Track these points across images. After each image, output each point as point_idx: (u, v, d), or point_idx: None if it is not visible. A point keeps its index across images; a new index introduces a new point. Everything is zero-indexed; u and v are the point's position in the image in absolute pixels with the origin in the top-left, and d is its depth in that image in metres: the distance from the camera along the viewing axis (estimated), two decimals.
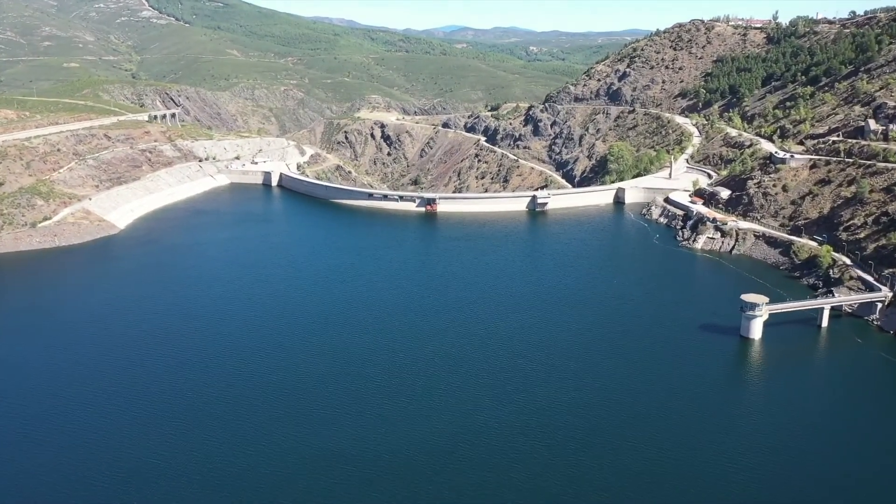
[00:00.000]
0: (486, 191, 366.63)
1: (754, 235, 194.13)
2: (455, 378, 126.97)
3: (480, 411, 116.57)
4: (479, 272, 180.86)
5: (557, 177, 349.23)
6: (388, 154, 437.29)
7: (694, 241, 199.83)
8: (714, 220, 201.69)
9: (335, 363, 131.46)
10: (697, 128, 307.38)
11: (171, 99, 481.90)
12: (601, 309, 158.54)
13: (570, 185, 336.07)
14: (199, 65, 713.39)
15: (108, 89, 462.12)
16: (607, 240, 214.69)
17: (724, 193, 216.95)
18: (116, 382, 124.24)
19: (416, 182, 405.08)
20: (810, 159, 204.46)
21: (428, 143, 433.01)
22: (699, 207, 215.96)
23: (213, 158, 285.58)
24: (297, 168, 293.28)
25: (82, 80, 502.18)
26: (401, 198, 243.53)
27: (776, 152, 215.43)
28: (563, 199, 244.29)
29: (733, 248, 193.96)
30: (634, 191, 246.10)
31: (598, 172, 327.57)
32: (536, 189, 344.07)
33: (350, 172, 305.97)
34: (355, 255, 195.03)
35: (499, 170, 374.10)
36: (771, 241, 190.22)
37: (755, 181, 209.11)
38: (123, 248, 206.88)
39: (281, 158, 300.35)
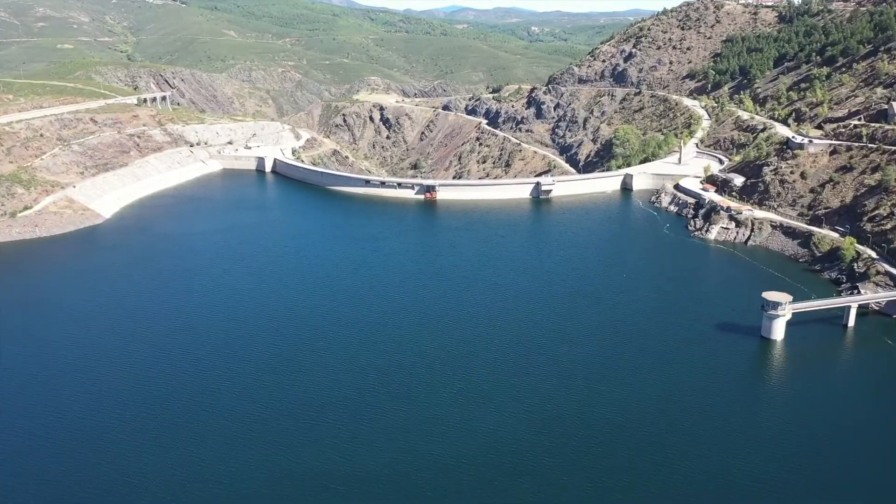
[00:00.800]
0: (487, 175, 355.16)
1: (771, 225, 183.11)
2: (459, 383, 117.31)
3: (487, 420, 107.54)
4: (481, 266, 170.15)
5: (561, 161, 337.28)
6: (388, 137, 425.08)
7: (707, 231, 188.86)
8: (728, 209, 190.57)
9: (328, 366, 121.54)
10: (706, 110, 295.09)
11: (166, 81, 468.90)
12: (611, 306, 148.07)
13: (574, 170, 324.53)
14: (196, 46, 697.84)
15: (101, 71, 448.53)
16: (615, 229, 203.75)
17: (738, 180, 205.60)
18: (95, 386, 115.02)
19: (415, 166, 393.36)
20: (830, 144, 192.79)
21: (428, 126, 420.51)
22: (711, 195, 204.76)
23: (205, 143, 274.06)
24: (292, 153, 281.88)
25: (75, 62, 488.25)
26: (399, 185, 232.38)
27: (793, 137, 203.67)
28: (569, 186, 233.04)
29: (748, 238, 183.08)
30: (643, 177, 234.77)
31: (604, 157, 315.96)
32: (539, 174, 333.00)
33: (347, 157, 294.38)
34: (350, 247, 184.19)
35: (500, 154, 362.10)
36: (789, 232, 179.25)
37: (771, 168, 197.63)
38: (108, 238, 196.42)
39: (275, 143, 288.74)
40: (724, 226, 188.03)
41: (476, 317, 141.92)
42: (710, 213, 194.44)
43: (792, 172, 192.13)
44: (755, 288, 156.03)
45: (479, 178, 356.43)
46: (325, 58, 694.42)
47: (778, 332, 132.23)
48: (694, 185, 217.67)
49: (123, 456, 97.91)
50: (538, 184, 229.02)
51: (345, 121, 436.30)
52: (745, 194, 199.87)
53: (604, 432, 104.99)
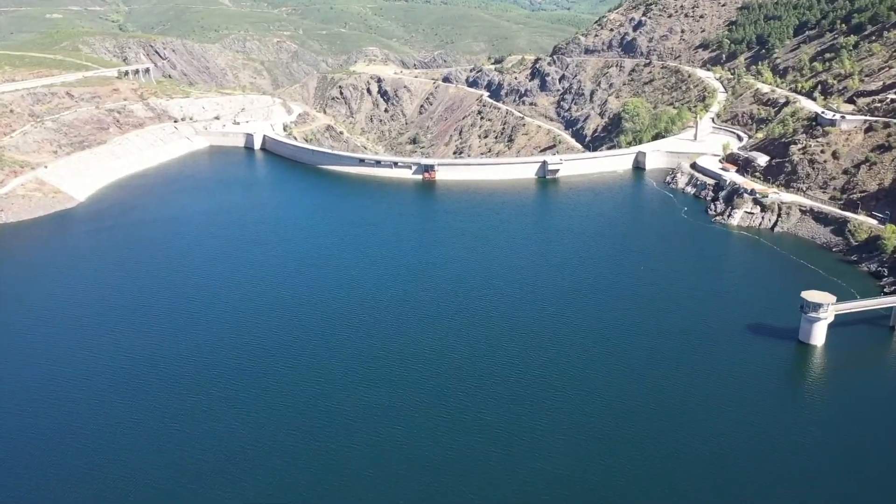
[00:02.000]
0: (489, 151, 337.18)
1: (800, 210, 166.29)
2: (462, 394, 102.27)
3: (495, 432, 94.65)
4: (484, 256, 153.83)
5: (566, 136, 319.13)
6: (386, 111, 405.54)
7: (729, 215, 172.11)
8: (752, 192, 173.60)
9: (319, 370, 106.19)
10: (722, 82, 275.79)
11: (157, 52, 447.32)
12: (628, 304, 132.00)
13: (580, 146, 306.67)
14: (189, 15, 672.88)
15: (88, 42, 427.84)
16: (629, 214, 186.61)
17: (762, 160, 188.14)
18: (55, 391, 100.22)
19: (414, 141, 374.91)
20: (865, 121, 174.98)
21: (427, 98, 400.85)
22: (733, 175, 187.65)
23: (190, 119, 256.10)
24: (284, 129, 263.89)
25: (61, 33, 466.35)
26: (395, 164, 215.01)
27: (823, 112, 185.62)
28: (577, 165, 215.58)
29: (775, 224, 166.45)
30: (656, 155, 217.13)
31: (612, 132, 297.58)
32: (544, 149, 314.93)
33: (342, 133, 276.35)
34: (341, 236, 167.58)
35: (503, 128, 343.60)
36: (820, 218, 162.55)
37: (800, 146, 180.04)
38: (80, 223, 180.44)
39: (265, 118, 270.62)
40: (748, 210, 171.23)
41: (477, 318, 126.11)
42: (732, 195, 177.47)
43: (822, 151, 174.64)
44: (786, 282, 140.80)
45: (481, 154, 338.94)
46: (322, 27, 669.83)
47: (818, 336, 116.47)
48: (713, 164, 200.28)
49: (106, 458, 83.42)
50: (544, 163, 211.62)
51: (341, 93, 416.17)
52: (769, 175, 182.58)
53: (625, 451, 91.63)
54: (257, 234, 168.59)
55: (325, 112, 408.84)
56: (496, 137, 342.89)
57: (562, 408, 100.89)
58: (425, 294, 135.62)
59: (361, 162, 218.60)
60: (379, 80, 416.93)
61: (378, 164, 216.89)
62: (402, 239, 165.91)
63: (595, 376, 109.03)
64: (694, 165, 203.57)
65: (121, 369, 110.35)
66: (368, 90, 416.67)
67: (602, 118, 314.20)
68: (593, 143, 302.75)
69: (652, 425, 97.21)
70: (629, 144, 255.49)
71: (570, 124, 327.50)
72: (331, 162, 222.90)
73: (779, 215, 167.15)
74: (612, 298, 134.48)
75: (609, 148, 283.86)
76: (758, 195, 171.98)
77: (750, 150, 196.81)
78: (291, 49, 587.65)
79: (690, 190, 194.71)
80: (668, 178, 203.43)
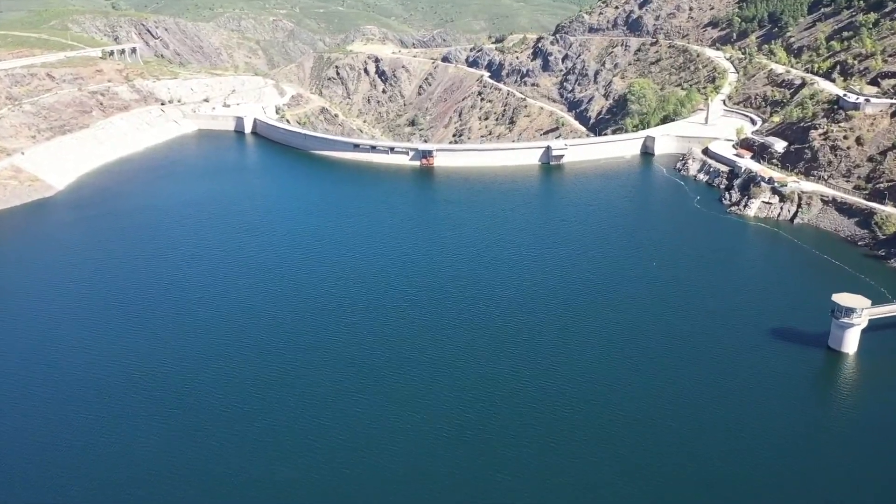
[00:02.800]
0: (489, 133, 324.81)
1: (822, 200, 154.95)
2: (463, 405, 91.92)
3: (499, 445, 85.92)
4: (485, 252, 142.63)
5: (570, 118, 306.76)
6: (384, 92, 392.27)
7: (745, 205, 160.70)
8: (770, 180, 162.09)
9: (305, 379, 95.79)
10: (732, 63, 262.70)
11: (149, 31, 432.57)
12: (641, 303, 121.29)
13: (584, 128, 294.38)
14: None
15: (78, 20, 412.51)
16: (638, 203, 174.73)
17: (780, 145, 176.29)
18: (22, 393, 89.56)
19: (413, 123, 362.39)
20: (891, 104, 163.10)
21: (426, 79, 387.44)
22: (748, 162, 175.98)
23: (178, 101, 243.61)
24: (276, 111, 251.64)
25: (50, 11, 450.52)
26: (392, 150, 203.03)
27: (845, 95, 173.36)
28: (582, 150, 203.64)
29: (795, 215, 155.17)
30: (666, 139, 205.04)
31: (617, 114, 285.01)
32: (546, 132, 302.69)
33: (337, 116, 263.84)
34: (332, 229, 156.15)
35: (504, 109, 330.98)
36: (844, 209, 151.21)
37: (820, 131, 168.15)
38: (57, 214, 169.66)
39: (257, 100, 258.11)
40: (766, 200, 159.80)
41: (477, 321, 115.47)
42: (749, 184, 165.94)
43: (846, 137, 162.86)
44: (810, 280, 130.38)
45: (481, 136, 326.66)
46: (320, 5, 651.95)
47: (851, 343, 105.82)
48: (726, 149, 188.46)
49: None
50: (548, 148, 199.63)
51: (338, 73, 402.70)
52: (787, 162, 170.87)
53: (640, 465, 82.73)
54: (244, 226, 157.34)
55: (321, 93, 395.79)
56: (497, 119, 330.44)
57: (569, 415, 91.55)
58: (421, 293, 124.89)
59: (356, 147, 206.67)
60: (377, 60, 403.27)
61: (373, 149, 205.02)
62: (398, 232, 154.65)
63: (606, 382, 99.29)
64: (706, 151, 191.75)
65: (94, 371, 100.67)
66: (366, 70, 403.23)
67: (607, 99, 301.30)
68: (597, 126, 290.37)
69: (668, 438, 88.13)
70: (635, 128, 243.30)
71: (573, 106, 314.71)
72: (324, 147, 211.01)
73: (799, 206, 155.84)
74: (622, 297, 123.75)
75: (614, 131, 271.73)
76: (776, 184, 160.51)
77: (766, 136, 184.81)
78: (288, 28, 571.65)
79: (703, 177, 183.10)
80: (679, 165, 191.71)
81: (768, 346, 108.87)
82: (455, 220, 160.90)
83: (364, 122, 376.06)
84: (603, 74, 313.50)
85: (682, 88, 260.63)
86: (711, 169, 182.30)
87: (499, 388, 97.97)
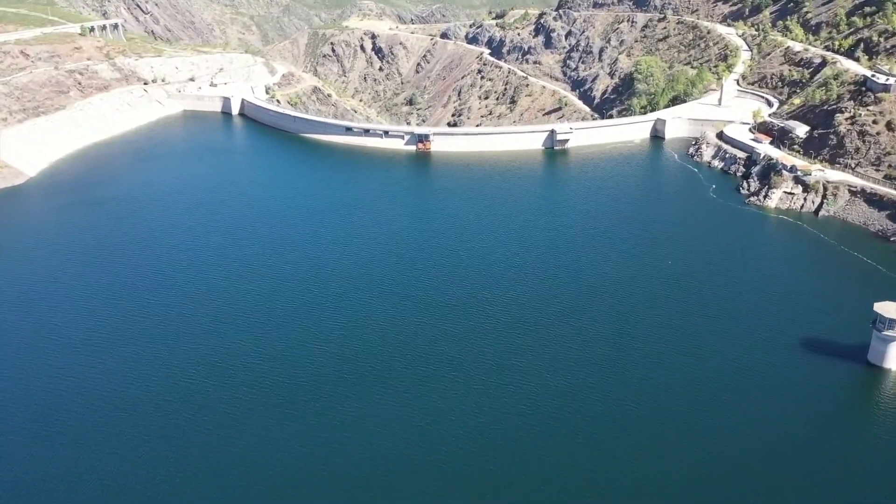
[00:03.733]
0: (489, 113, 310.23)
1: (849, 191, 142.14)
2: (468, 414, 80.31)
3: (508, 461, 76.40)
4: (486, 246, 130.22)
5: (574, 98, 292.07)
6: (380, 69, 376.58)
7: (765, 196, 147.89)
8: (792, 168, 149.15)
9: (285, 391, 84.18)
10: (745, 40, 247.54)
11: (138, 5, 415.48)
12: (656, 307, 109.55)
13: (588, 108, 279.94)
14: None
15: None
16: (650, 193, 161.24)
17: (801, 130, 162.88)
18: None
19: (410, 102, 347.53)
20: None
21: (424, 56, 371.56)
22: (767, 148, 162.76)
23: (162, 80, 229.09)
24: (266, 91, 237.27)
25: None
26: (386, 133, 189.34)
27: (873, 75, 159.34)
28: (588, 134, 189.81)
29: (820, 207, 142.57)
30: (677, 123, 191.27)
31: (623, 93, 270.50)
32: (549, 112, 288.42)
33: (330, 96, 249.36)
34: (320, 221, 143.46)
35: (505, 88, 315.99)
36: (874, 200, 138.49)
37: (847, 115, 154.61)
38: (30, 202, 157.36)
39: (246, 79, 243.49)
40: (788, 190, 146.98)
41: (478, 322, 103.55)
42: (768, 172, 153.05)
43: (875, 122, 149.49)
44: (841, 281, 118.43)
45: (481, 117, 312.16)
46: None
47: (895, 359, 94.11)
48: (742, 133, 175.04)
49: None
50: (552, 132, 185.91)
51: (333, 51, 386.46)
52: (810, 148, 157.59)
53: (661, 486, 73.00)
54: (226, 219, 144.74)
55: (315, 71, 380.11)
56: (497, 99, 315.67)
57: (582, 431, 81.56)
58: (416, 293, 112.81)
59: (348, 130, 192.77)
60: (373, 37, 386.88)
61: (367, 132, 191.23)
62: (391, 226, 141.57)
63: (617, 399, 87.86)
64: (721, 135, 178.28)
65: (58, 378, 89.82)
66: (362, 47, 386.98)
67: (612, 78, 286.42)
68: (602, 106, 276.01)
69: (691, 462, 78.12)
70: (643, 109, 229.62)
71: (577, 85, 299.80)
72: (315, 130, 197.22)
73: (824, 197, 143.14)
74: (635, 299, 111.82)
75: (620, 111, 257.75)
76: (799, 172, 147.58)
77: (786, 119, 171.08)
78: (282, 2, 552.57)
79: (718, 164, 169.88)
80: (692, 150, 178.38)
81: (799, 359, 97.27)
82: (453, 212, 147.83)
83: (360, 101, 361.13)
84: (608, 52, 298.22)
85: (692, 67, 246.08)
86: (727, 155, 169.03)
87: (503, 392, 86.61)
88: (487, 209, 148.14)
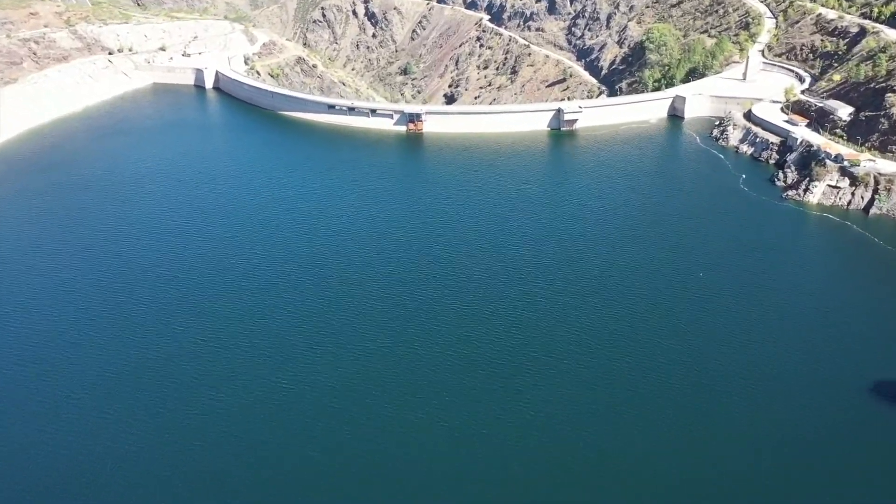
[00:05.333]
0: (489, 84, 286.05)
1: None
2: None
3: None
4: (485, 251, 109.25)
5: (579, 68, 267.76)
6: (374, 36, 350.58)
7: (806, 189, 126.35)
8: (838, 158, 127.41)
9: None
10: (768, 6, 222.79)
11: None
12: (690, 332, 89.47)
13: (595, 80, 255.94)
14: None
15: None
16: (671, 183, 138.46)
17: (844, 111, 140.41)
18: None
19: (405, 71, 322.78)
20: None
21: (420, 22, 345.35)
22: (805, 132, 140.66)
23: (129, 50, 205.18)
24: (245, 62, 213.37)
25: None
26: (373, 112, 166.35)
27: None
28: (599, 114, 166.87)
29: (870, 204, 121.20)
30: (698, 100, 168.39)
31: (632, 64, 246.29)
32: (552, 84, 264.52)
33: (315, 67, 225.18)
34: (292, 223, 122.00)
35: (505, 58, 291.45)
36: None
37: None
38: None
39: (223, 49, 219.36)
40: (832, 183, 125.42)
41: (480, 347, 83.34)
42: (808, 161, 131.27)
43: None
44: None
45: (480, 88, 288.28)
46: None
47: None
48: (774, 114, 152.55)
49: None
50: (559, 111, 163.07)
51: (324, 16, 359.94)
52: (856, 133, 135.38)
53: None
54: (183, 216, 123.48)
55: (305, 38, 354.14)
56: (497, 69, 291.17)
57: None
58: (404, 310, 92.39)
59: (331, 108, 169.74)
60: (366, 1, 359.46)
61: (352, 111, 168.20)
62: (376, 225, 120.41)
63: (654, 434, 69.16)
64: (749, 115, 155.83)
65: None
66: (354, 12, 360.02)
67: (621, 47, 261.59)
68: (611, 78, 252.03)
69: None
70: (656, 83, 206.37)
71: (582, 54, 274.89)
72: (294, 107, 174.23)
73: (875, 191, 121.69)
74: (664, 323, 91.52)
75: (631, 84, 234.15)
76: (846, 162, 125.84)
77: (826, 99, 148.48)
78: None
79: (746, 149, 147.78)
80: (716, 132, 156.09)
81: (870, 405, 77.46)
82: (445, 205, 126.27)
83: (353, 69, 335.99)
84: (616, 18, 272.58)
85: (710, 36, 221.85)
86: (758, 139, 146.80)
87: (516, 415, 66.88)
88: (485, 204, 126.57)
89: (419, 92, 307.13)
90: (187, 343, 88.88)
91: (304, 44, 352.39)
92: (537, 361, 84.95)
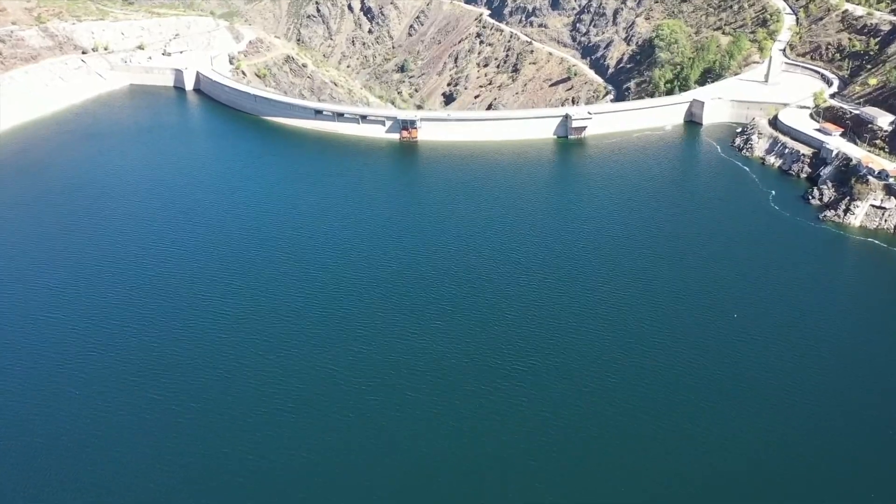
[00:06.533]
0: (489, 83, 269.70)
1: None
2: None
3: None
4: (489, 284, 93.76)
5: (584, 66, 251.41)
6: (370, 32, 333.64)
7: (847, 210, 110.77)
8: (882, 174, 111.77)
9: None
10: (788, 2, 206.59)
11: None
12: (728, 385, 74.35)
13: (601, 79, 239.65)
14: None
15: None
16: (693, 202, 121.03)
17: (884, 120, 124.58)
18: None
19: (402, 69, 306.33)
20: None
21: (418, 17, 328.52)
22: (840, 143, 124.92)
23: (105, 49, 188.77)
24: (230, 61, 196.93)
25: None
26: (363, 118, 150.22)
27: None
28: (610, 120, 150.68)
29: None
30: (717, 105, 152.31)
31: (641, 63, 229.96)
32: (556, 83, 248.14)
33: (305, 66, 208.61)
34: (272, 248, 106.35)
35: (507, 55, 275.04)
36: None
37: None
38: None
39: (206, 47, 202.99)
40: (877, 203, 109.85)
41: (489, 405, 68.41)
42: (847, 176, 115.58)
43: None
44: None
45: (480, 86, 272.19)
46: None
47: None
48: (803, 121, 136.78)
49: None
50: (566, 118, 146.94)
51: (318, 10, 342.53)
52: None
53: None
54: (156, 232, 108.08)
55: (299, 34, 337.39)
56: (498, 66, 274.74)
57: None
58: (392, 349, 77.13)
59: (318, 114, 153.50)
60: None
61: (340, 117, 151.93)
62: (363, 251, 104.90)
63: None
64: (775, 122, 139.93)
65: None
66: (350, 7, 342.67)
67: (628, 45, 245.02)
68: (618, 77, 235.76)
69: None
70: (668, 84, 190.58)
71: (588, 52, 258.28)
72: (278, 112, 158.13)
73: None
74: (694, 372, 76.26)
75: (639, 85, 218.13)
76: (892, 179, 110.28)
77: (863, 105, 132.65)
78: None
79: (774, 161, 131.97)
80: (739, 141, 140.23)
81: None
82: (445, 233, 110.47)
83: (348, 66, 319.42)
84: (623, 14, 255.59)
85: (724, 33, 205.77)
86: (787, 150, 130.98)
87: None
88: (488, 226, 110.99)
89: (416, 90, 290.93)
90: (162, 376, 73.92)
91: (298, 40, 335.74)
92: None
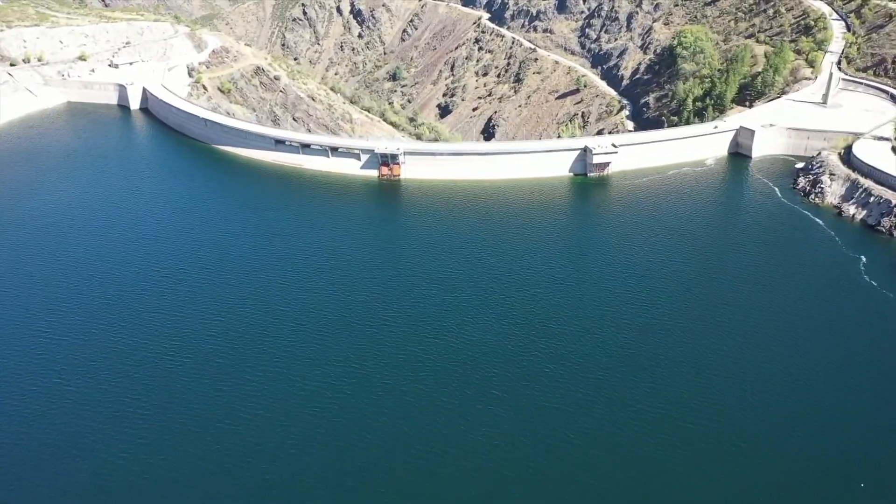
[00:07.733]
0: (489, 94, 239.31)
1: None
2: None
3: None
4: (488, 359, 62.80)
5: (594, 77, 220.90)
6: (360, 37, 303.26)
7: None
8: None
9: None
10: (832, 6, 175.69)
11: None
12: None
13: (613, 91, 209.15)
14: None
15: None
16: (759, 273, 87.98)
17: None
18: None
19: (394, 77, 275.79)
20: None
21: (412, 20, 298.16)
22: None
23: (38, 60, 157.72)
24: (189, 74, 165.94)
25: None
26: (333, 150, 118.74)
27: None
28: (639, 153, 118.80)
29: None
30: (771, 134, 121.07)
31: (660, 73, 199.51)
32: (563, 96, 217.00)
33: (278, 79, 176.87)
34: (204, 342, 75.17)
35: (508, 63, 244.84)
36: None
37: None
38: None
39: (162, 57, 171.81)
40: None
41: None
42: None
43: None
44: None
45: (478, 98, 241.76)
46: None
47: None
48: (886, 157, 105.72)
49: None
50: (585, 150, 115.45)
51: (305, 13, 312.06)
52: None
53: None
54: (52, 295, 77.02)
55: (284, 38, 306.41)
56: (498, 76, 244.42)
57: None
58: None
59: (279, 144, 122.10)
60: None
61: (306, 148, 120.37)
62: (324, 369, 73.89)
63: None
64: (848, 158, 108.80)
65: None
66: (339, 10, 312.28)
67: (645, 53, 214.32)
68: (633, 90, 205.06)
69: None
70: (698, 102, 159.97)
71: (598, 60, 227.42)
72: (231, 140, 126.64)
73: None
74: None
75: (660, 99, 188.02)
76: None
77: None
78: None
79: (854, 211, 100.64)
80: (804, 182, 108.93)
81: None
82: (434, 306, 79.62)
83: (336, 74, 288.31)
84: (639, 19, 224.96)
85: (758, 41, 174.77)
86: (871, 198, 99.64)
87: None
88: (489, 292, 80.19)
89: (409, 101, 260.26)
90: None
91: (283, 44, 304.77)
92: None
